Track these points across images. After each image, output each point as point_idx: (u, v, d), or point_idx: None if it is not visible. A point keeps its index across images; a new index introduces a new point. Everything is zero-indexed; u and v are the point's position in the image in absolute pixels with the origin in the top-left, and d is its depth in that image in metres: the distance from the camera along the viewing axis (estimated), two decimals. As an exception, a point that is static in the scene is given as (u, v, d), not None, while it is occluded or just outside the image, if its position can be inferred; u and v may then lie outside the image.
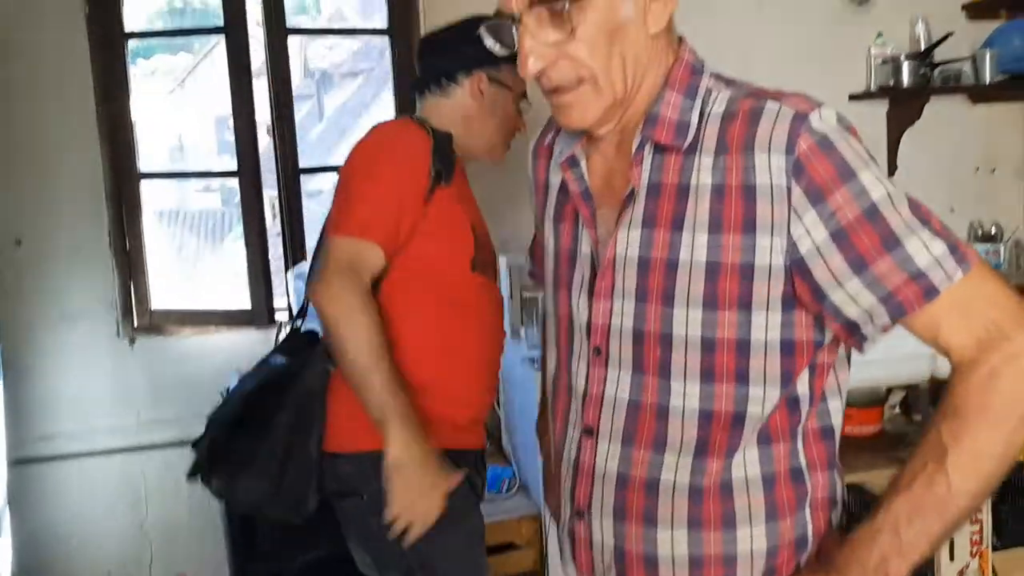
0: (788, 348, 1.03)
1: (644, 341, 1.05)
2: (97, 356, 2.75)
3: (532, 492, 2.54)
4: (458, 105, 1.80)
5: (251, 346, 2.70)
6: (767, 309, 1.00)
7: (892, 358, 2.67)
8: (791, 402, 1.05)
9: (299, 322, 1.91)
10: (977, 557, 2.45)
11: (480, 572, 1.80)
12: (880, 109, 3.22)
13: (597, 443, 1.11)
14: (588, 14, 0.99)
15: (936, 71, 3.15)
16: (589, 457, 1.12)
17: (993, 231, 3.29)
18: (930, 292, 0.94)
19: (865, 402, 3.05)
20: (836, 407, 1.10)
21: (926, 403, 3.09)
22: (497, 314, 1.84)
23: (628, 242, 1.06)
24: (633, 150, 1.06)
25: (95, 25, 2.64)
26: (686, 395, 1.04)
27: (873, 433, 3.04)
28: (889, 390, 3.15)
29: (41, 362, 2.70)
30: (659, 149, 1.05)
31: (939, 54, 3.15)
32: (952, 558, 2.40)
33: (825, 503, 1.10)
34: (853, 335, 1.00)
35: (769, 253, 0.98)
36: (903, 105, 3.19)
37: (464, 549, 1.75)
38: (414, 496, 1.54)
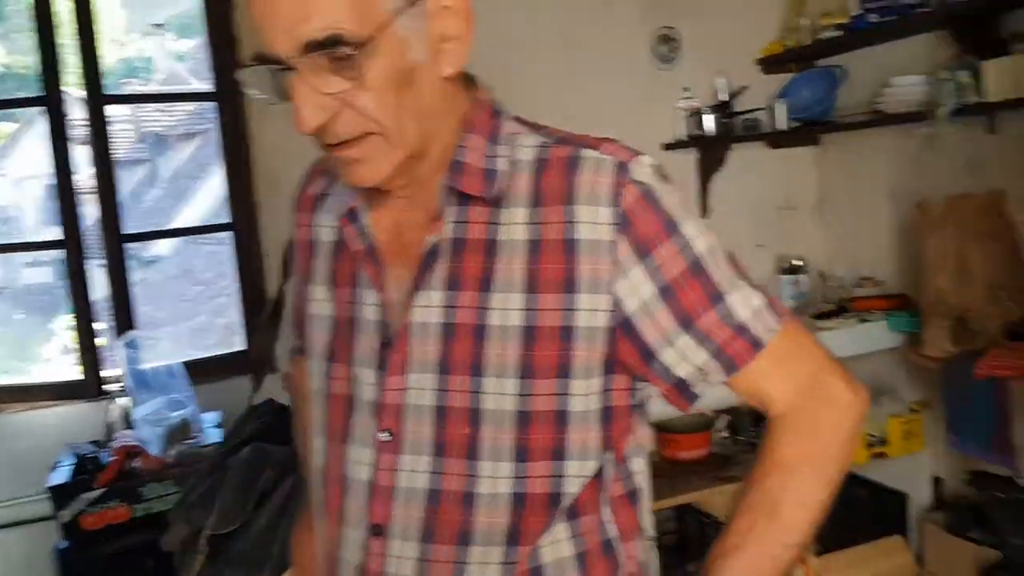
0: (607, 417, 0.94)
1: (446, 419, 0.92)
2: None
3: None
4: None
5: (81, 419, 2.63)
6: (588, 376, 0.91)
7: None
8: (597, 472, 0.96)
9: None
10: (800, 564, 2.66)
11: None
12: (690, 156, 3.49)
13: (388, 543, 0.95)
14: (375, 60, 0.84)
15: (738, 120, 3.45)
16: (377, 563, 0.95)
17: (798, 263, 3.59)
18: (757, 345, 0.93)
19: (694, 428, 3.25)
20: (639, 466, 1.01)
21: (748, 424, 3.33)
22: None
23: (428, 306, 0.93)
24: (436, 201, 0.94)
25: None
26: (496, 479, 0.92)
27: (703, 456, 3.24)
28: (716, 415, 3.36)
29: None
30: (464, 200, 0.93)
31: (740, 105, 3.45)
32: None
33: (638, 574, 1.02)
34: (683, 394, 0.95)
35: (591, 314, 0.90)
36: (709, 152, 3.46)
37: None
38: None
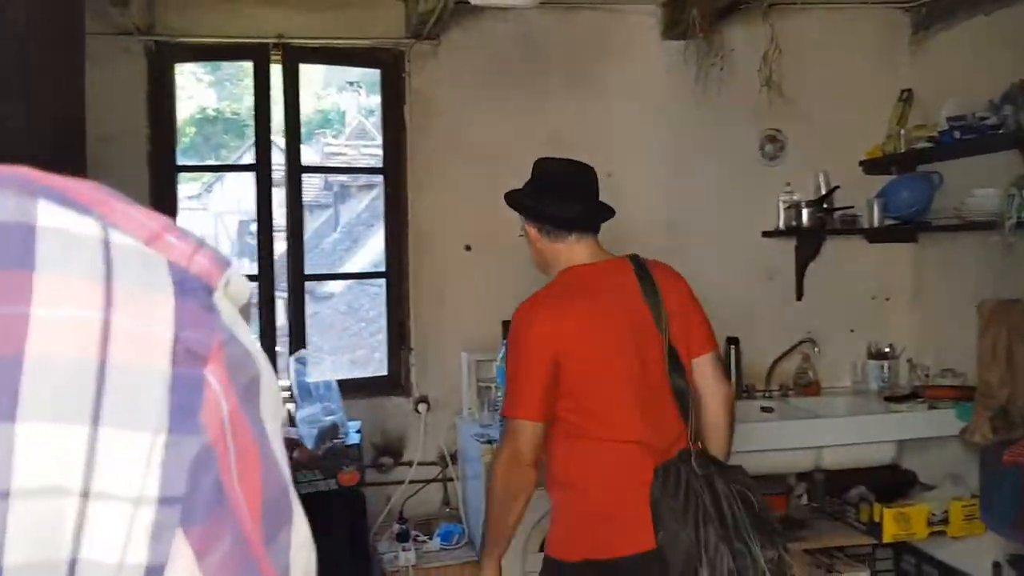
0: None
1: None
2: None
3: (475, 544, 3.12)
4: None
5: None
6: None
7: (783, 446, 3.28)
8: None
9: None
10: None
11: None
12: (789, 244, 3.90)
13: None
14: None
15: (836, 215, 3.84)
16: None
17: (887, 350, 3.91)
18: None
19: (773, 491, 3.62)
20: None
21: (822, 492, 3.66)
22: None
23: None
24: None
25: (155, 162, 3.39)
26: None
27: (780, 518, 3.60)
28: (796, 481, 3.71)
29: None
30: None
31: (838, 201, 3.85)
32: None
33: None
34: None
35: None
36: (805, 242, 3.87)
37: None
38: None
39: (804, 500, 3.76)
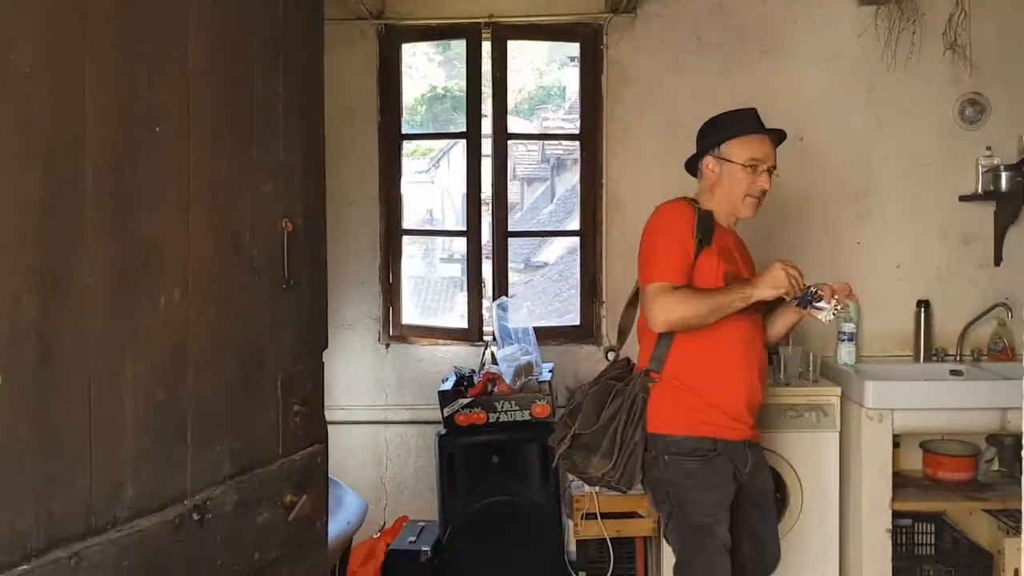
0: None
1: None
2: (364, 355, 3.94)
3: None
4: (704, 183, 2.67)
5: (465, 354, 3.80)
6: None
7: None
8: None
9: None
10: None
11: (708, 519, 2.50)
12: (987, 209, 3.85)
13: None
14: None
15: (1038, 178, 3.74)
16: None
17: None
18: None
19: (960, 452, 3.64)
20: None
21: (1011, 457, 3.63)
22: (741, 338, 2.55)
23: None
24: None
25: (383, 131, 3.90)
26: None
27: (964, 479, 3.62)
28: (988, 444, 3.69)
29: (328, 356, 3.92)
30: None
31: (1044, 165, 3.74)
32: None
33: None
34: None
35: None
36: (1004, 207, 3.80)
37: (708, 504, 2.50)
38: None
39: (995, 465, 3.74)
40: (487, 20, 3.86)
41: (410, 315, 4.08)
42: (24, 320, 1.08)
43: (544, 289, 9.90)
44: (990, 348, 3.82)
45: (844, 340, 3.65)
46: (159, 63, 1.31)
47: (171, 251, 1.32)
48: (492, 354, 3.67)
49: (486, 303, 3.94)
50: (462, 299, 4.39)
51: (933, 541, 3.72)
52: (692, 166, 2.72)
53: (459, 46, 4.00)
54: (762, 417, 2.78)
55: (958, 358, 3.81)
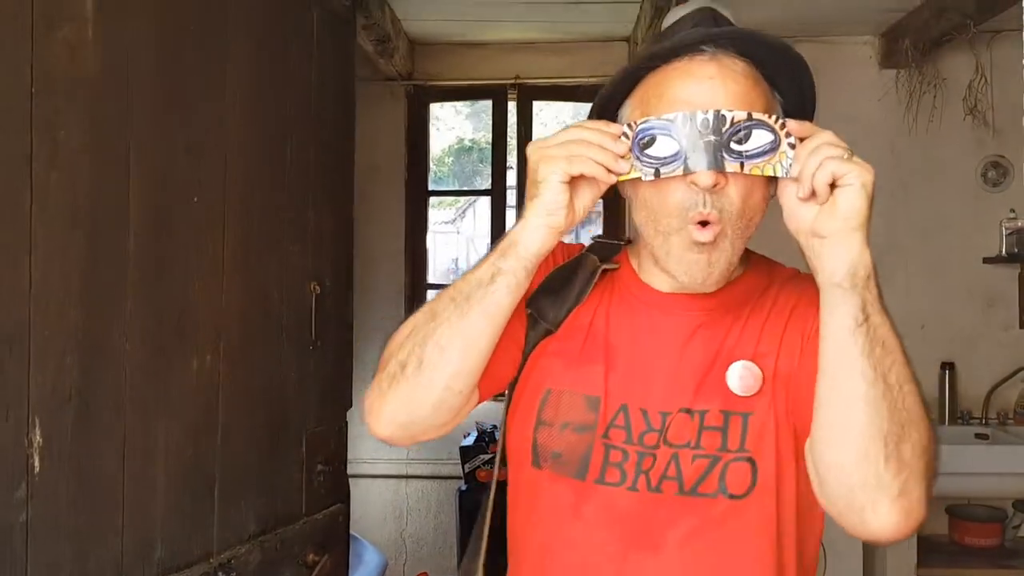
0: None
1: None
2: (386, 407, 3.97)
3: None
4: None
5: (486, 409, 3.82)
6: None
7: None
8: None
9: None
10: None
11: None
12: (1012, 271, 3.85)
13: None
14: None
15: (1064, 242, 3.75)
16: None
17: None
18: None
19: (986, 518, 3.60)
20: None
21: (1039, 524, 3.58)
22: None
23: None
24: None
25: (410, 187, 3.98)
26: None
27: (992, 545, 3.58)
28: (1015, 509, 3.64)
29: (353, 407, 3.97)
30: None
31: (1068, 227, 3.75)
32: None
33: None
34: None
35: None
36: (1029, 269, 3.80)
37: None
38: None
39: (1022, 531, 3.68)
40: (513, 81, 3.95)
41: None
42: (66, 381, 1.13)
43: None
44: (1016, 412, 3.79)
45: (868, 402, 3.63)
46: (198, 140, 1.37)
47: (204, 315, 1.37)
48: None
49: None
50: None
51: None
52: None
53: (486, 103, 4.10)
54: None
55: (984, 421, 3.78)
